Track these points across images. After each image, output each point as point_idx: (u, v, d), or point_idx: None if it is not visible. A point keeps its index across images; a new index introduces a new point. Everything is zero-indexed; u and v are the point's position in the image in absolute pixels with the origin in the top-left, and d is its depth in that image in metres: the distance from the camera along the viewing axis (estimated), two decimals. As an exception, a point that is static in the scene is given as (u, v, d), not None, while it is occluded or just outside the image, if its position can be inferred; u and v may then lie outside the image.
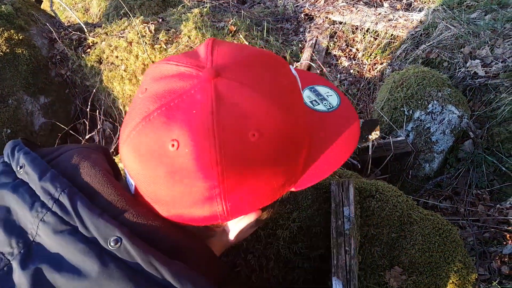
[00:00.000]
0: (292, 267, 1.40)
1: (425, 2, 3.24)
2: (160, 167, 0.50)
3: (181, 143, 0.48)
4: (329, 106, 0.66)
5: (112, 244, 0.48)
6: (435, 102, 2.04)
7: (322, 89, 0.69)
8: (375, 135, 0.91)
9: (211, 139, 0.47)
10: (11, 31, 2.49)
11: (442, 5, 2.87)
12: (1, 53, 2.40)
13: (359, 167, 1.90)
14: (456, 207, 1.94)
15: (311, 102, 0.66)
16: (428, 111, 2.05)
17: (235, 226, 0.60)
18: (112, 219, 0.50)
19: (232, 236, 0.62)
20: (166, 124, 0.49)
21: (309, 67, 2.78)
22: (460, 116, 2.01)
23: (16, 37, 2.50)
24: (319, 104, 0.66)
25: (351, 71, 2.81)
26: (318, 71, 2.73)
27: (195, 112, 0.48)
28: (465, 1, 2.88)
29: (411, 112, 2.09)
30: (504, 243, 1.76)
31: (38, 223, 0.51)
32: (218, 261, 0.62)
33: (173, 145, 0.48)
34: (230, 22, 2.87)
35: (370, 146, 1.98)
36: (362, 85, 2.64)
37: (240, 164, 0.49)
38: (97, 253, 0.48)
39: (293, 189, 0.59)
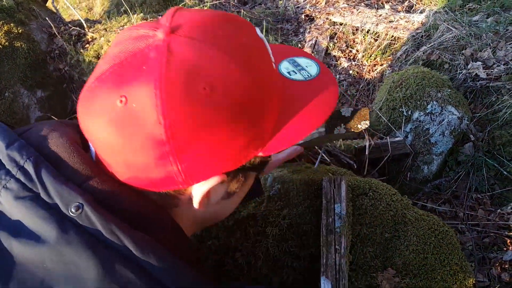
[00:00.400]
0: (281, 266, 1.36)
1: (426, 5, 3.21)
2: (110, 125, 0.48)
3: (129, 98, 0.47)
4: (307, 75, 0.64)
5: (73, 210, 0.48)
6: (434, 102, 1.99)
7: (302, 61, 0.67)
8: (364, 124, 0.87)
9: (158, 93, 0.46)
10: (11, 24, 2.48)
11: (443, 7, 2.84)
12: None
13: (355, 167, 1.86)
14: (455, 211, 1.89)
15: (288, 72, 0.64)
16: (427, 111, 2.00)
17: (199, 192, 0.56)
18: (76, 187, 0.50)
19: (196, 204, 0.57)
20: (116, 81, 0.48)
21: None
22: (460, 118, 1.96)
23: (16, 31, 2.49)
24: (296, 74, 0.64)
25: (351, 71, 2.77)
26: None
27: (145, 68, 0.47)
28: (467, 4, 2.84)
29: (410, 113, 2.05)
30: (505, 249, 1.71)
31: (1, 190, 0.51)
32: (184, 237, 0.59)
33: (121, 101, 0.47)
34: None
35: (367, 146, 1.94)
36: (361, 86, 2.60)
37: (189, 119, 0.47)
38: (57, 220, 0.48)
39: (260, 154, 0.57)
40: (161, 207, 0.57)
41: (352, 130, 0.87)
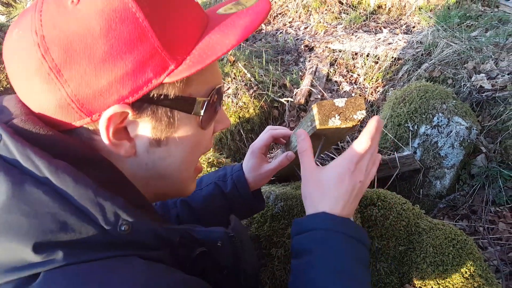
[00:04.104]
0: (290, 291, 1.25)
1: (424, 25, 3.22)
2: (7, 55, 0.52)
3: (19, 28, 0.51)
4: (242, 8, 0.60)
5: None
6: (440, 114, 1.93)
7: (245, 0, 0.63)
8: (360, 114, 0.81)
9: (36, 14, 0.49)
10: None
11: (442, 26, 2.84)
12: (1, 88, 2.42)
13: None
14: (474, 225, 1.78)
15: (224, 10, 0.61)
16: (433, 124, 1.93)
17: (102, 124, 0.52)
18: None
19: (105, 138, 0.53)
20: (18, 20, 0.53)
21: (310, 93, 2.73)
22: (468, 127, 1.88)
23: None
24: (232, 9, 0.60)
25: (353, 94, 2.74)
26: (319, 96, 2.66)
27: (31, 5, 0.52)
28: (465, 22, 2.84)
29: (416, 128, 1.98)
30: (533, 263, 1.58)
31: None
32: (120, 175, 0.56)
33: (15, 32, 0.51)
34: (229, 53, 2.87)
35: (374, 163, 1.86)
36: (365, 108, 2.55)
37: (59, 31, 0.48)
38: None
39: (167, 80, 0.52)
40: (102, 156, 0.55)
41: (348, 120, 0.81)
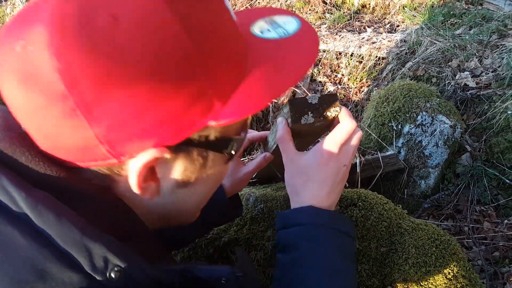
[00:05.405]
0: (270, 296, 1.21)
1: (408, 24, 3.22)
2: (13, 78, 0.40)
3: (27, 41, 0.38)
4: (284, 33, 0.54)
5: None
6: (424, 113, 1.90)
7: (280, 18, 0.57)
8: (334, 111, 0.77)
9: (51, 29, 0.37)
10: None
11: (426, 24, 2.83)
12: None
13: (347, 186, 1.74)
14: (459, 225, 1.75)
15: (261, 31, 0.55)
16: (417, 123, 1.91)
17: (133, 170, 0.45)
18: None
19: (134, 186, 0.47)
20: (18, 26, 0.40)
21: (294, 93, 2.70)
22: (452, 126, 1.86)
23: None
24: (270, 32, 0.54)
25: (337, 95, 2.72)
26: (303, 96, 2.64)
27: (44, 5, 0.40)
28: (449, 20, 2.84)
29: (400, 127, 1.96)
30: (518, 262, 1.56)
31: None
32: (132, 215, 0.50)
33: (20, 46, 0.39)
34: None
35: (357, 163, 1.83)
36: (349, 107, 2.53)
37: (89, 60, 0.37)
38: None
39: (213, 123, 0.46)
40: (106, 189, 0.48)
41: (321, 118, 0.77)
